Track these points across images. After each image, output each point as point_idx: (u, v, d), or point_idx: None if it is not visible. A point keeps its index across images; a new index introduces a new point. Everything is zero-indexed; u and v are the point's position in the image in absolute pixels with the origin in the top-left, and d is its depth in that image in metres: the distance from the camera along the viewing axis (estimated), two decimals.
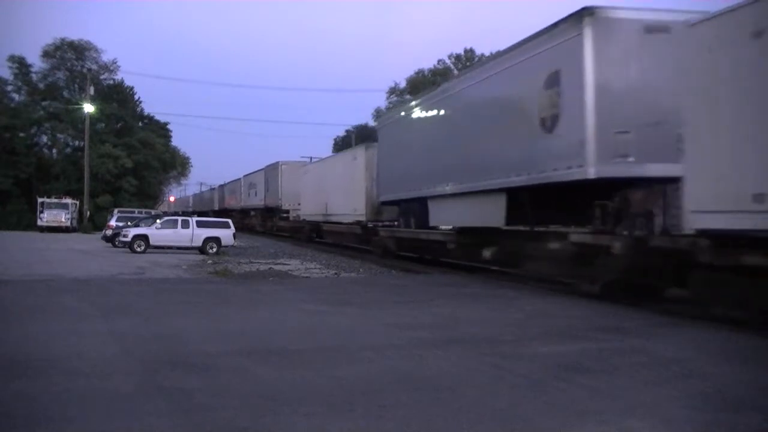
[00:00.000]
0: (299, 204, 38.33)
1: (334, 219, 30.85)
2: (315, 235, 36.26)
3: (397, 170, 22.27)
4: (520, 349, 7.99)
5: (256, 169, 51.91)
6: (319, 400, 5.65)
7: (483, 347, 8.00)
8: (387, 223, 25.50)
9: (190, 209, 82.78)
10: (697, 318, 10.29)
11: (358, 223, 27.19)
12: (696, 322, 10.03)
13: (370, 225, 26.26)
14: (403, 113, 23.26)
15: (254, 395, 5.77)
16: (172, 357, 7.20)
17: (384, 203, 24.59)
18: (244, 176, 57.02)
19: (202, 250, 26.47)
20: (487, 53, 68.30)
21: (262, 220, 50.33)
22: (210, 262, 22.32)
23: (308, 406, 5.48)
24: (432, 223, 19.88)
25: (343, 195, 28.89)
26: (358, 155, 27.48)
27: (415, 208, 21.13)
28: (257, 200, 50.26)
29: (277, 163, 43.41)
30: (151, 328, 9.12)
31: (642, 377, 6.61)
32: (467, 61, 69.07)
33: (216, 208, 70.30)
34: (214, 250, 26.53)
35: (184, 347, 7.80)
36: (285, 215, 42.23)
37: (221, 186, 71.59)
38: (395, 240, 23.60)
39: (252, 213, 54.32)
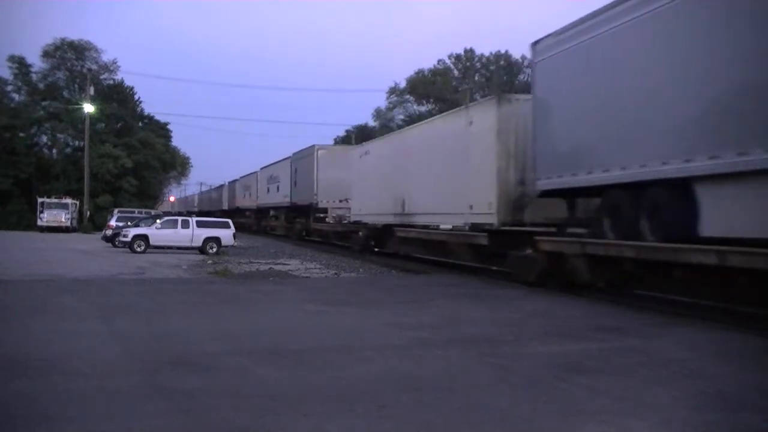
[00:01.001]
0: (342, 201, 30.47)
1: (419, 221, 20.76)
2: (375, 243, 26.06)
3: (589, 130, 12.63)
4: (520, 349, 7.99)
5: (277, 159, 43.30)
6: (319, 400, 5.65)
7: (483, 347, 8.00)
8: (541, 228, 15.06)
9: (195, 209, 77.27)
10: (697, 318, 10.30)
11: (481, 227, 16.65)
12: (696, 322, 10.03)
13: (504, 230, 15.68)
14: (610, 21, 12.05)
15: (254, 395, 5.77)
16: (173, 357, 7.20)
17: (546, 194, 14.16)
18: (262, 169, 48.17)
19: (202, 250, 26.48)
20: (487, 53, 68.65)
21: (287, 221, 41.58)
22: (210, 262, 22.33)
23: (308, 406, 5.48)
24: (710, 231, 9.90)
25: (444, 183, 18.53)
26: (480, 117, 16.68)
27: (652, 201, 11.29)
28: (280, 197, 41.48)
29: (312, 147, 33.97)
30: (151, 328, 9.12)
31: (642, 377, 6.61)
32: (467, 61, 69.13)
33: (225, 207, 62.99)
34: (214, 250, 26.54)
35: (184, 347, 7.79)
36: (322, 215, 33.38)
37: (232, 182, 62.57)
38: (589, 260, 12.84)
39: (272, 213, 46.47)
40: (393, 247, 24.60)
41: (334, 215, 31.97)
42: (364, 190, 26.30)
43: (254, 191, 50.22)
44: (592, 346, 8.17)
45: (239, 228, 51.61)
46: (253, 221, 52.66)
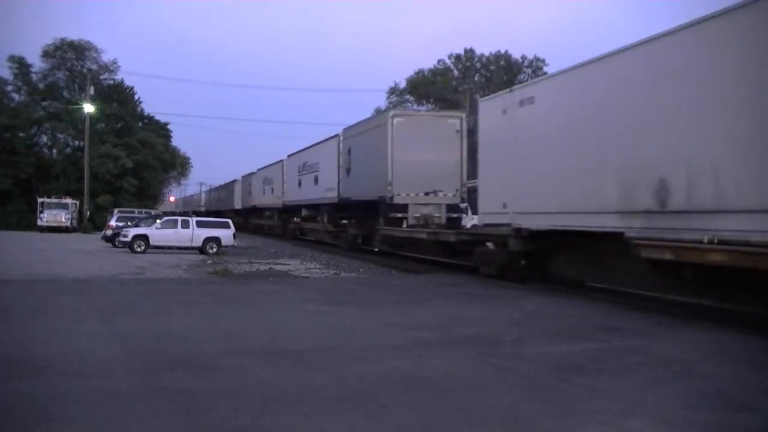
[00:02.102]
0: (429, 194, 21.48)
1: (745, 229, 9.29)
2: (535, 263, 15.32)
3: None
4: (520, 349, 7.99)
5: (317, 141, 32.94)
6: (319, 400, 5.65)
7: (483, 347, 8.00)
8: None
9: (203, 209, 71.22)
10: (697, 318, 10.30)
11: None
12: (696, 322, 10.03)
13: None
14: None
15: (254, 395, 5.77)
16: (172, 357, 7.20)
17: None
18: (290, 156, 38.42)
19: (202, 250, 26.48)
20: (487, 53, 68.65)
21: (332, 224, 30.26)
22: (210, 262, 22.32)
23: (308, 406, 5.48)
24: None
25: None
26: None
27: None
28: (320, 191, 30.94)
29: (385, 114, 24.67)
30: (151, 328, 9.12)
31: (642, 377, 6.61)
32: (467, 61, 69.13)
33: (238, 206, 54.98)
34: (214, 250, 26.54)
35: (184, 347, 7.80)
36: (399, 215, 22.10)
37: (246, 176, 52.98)
38: None
39: (305, 213, 35.43)
40: (617, 277, 12.94)
41: (416, 215, 21.49)
42: (517, 171, 14.99)
43: (278, 185, 40.44)
44: (592, 346, 8.17)
45: (258, 232, 47.33)
46: (277, 223, 43.12)
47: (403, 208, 21.98)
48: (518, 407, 5.58)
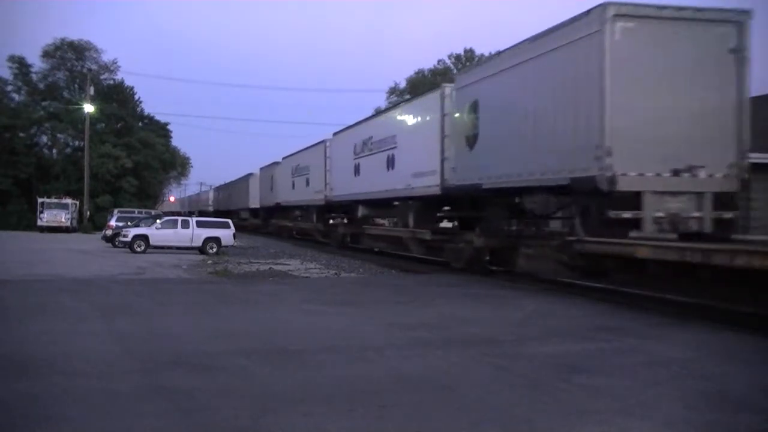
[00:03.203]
0: (682, 172, 11.38)
1: None
2: None
3: None
4: (520, 348, 7.99)
5: (364, 116, 24.73)
6: (319, 400, 5.65)
7: (483, 347, 8.00)
8: None
9: (211, 208, 66.36)
10: (697, 318, 10.30)
11: None
12: (696, 322, 10.03)
13: None
14: None
15: (254, 395, 5.78)
16: (173, 357, 7.21)
17: None
18: (337, 134, 29.05)
19: (202, 250, 26.48)
20: (486, 53, 68.72)
21: (429, 228, 20.03)
22: (210, 262, 22.32)
23: (308, 406, 5.48)
24: None
25: None
26: None
27: None
28: (399, 180, 20.87)
29: (597, 13, 11.31)
30: (151, 328, 9.13)
31: (642, 377, 6.61)
32: (467, 61, 69.14)
33: (255, 204, 46.99)
34: (214, 250, 26.54)
35: (184, 347, 7.80)
36: (625, 215, 11.43)
37: (268, 168, 43.47)
38: None
39: (363, 212, 26.50)
40: None
41: (659, 214, 11.53)
42: None
43: (318, 175, 30.85)
44: (592, 346, 8.17)
45: (284, 236, 41.44)
46: (316, 225, 33.49)
47: (632, 201, 11.60)
48: (518, 407, 5.58)
